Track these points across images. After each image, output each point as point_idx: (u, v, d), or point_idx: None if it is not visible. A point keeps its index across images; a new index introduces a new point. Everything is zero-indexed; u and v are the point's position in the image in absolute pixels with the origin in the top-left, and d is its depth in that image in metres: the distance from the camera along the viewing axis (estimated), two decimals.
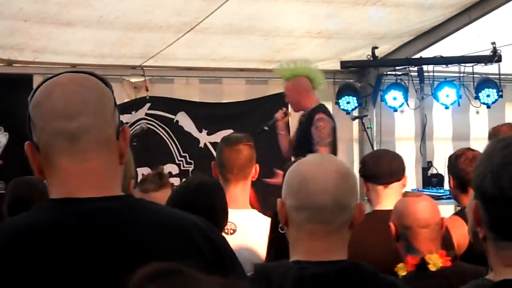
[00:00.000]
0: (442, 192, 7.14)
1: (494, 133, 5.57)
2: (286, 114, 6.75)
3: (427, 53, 7.77)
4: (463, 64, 7.80)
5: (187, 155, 7.64)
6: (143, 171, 6.90)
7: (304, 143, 6.31)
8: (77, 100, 1.70)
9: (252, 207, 3.85)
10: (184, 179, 4.99)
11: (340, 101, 7.75)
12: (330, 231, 2.17)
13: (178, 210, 1.86)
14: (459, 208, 4.50)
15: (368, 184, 3.91)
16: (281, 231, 2.54)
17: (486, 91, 7.79)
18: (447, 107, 7.92)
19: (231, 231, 3.55)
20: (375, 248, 3.50)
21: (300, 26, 7.05)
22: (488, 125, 8.15)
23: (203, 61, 7.59)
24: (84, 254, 1.60)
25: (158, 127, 7.55)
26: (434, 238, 3.15)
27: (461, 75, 7.91)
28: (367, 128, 7.69)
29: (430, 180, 7.77)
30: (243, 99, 7.89)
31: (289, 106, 6.95)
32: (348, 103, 7.76)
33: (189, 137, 7.65)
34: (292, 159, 6.15)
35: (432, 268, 3.06)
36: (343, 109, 7.76)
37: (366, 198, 4.08)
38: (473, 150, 4.15)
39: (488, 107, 7.91)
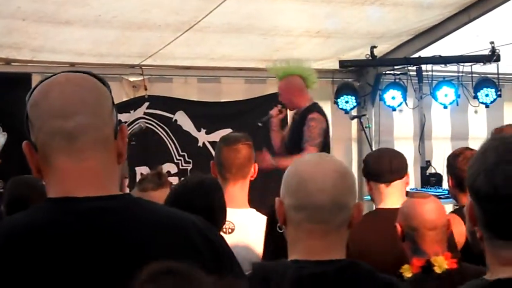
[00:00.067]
0: (440, 192, 7.12)
1: (497, 134, 5.56)
2: (281, 111, 6.75)
3: (425, 53, 7.76)
4: (462, 64, 7.78)
5: (185, 154, 7.63)
6: (142, 170, 6.92)
7: (296, 142, 6.33)
8: (75, 99, 1.70)
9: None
10: (182, 178, 4.99)
11: (338, 100, 7.73)
12: (329, 231, 2.16)
13: (177, 209, 1.85)
14: (457, 207, 4.50)
15: (371, 182, 3.90)
16: (279, 231, 2.54)
17: (484, 91, 7.77)
18: (445, 107, 7.91)
19: (230, 230, 3.55)
20: (378, 246, 3.50)
21: (299, 25, 7.04)
22: (486, 124, 8.17)
23: (202, 60, 7.57)
24: (81, 254, 1.60)
25: (156, 126, 7.54)
26: (440, 240, 3.14)
27: (460, 74, 7.89)
28: (366, 127, 7.69)
29: (429, 180, 7.76)
30: (241, 98, 7.88)
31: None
32: (346, 102, 7.75)
33: (188, 136, 7.63)
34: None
35: (437, 270, 3.05)
36: (342, 109, 7.75)
37: (365, 196, 4.08)
38: (471, 149, 4.15)
39: (487, 106, 7.89)
